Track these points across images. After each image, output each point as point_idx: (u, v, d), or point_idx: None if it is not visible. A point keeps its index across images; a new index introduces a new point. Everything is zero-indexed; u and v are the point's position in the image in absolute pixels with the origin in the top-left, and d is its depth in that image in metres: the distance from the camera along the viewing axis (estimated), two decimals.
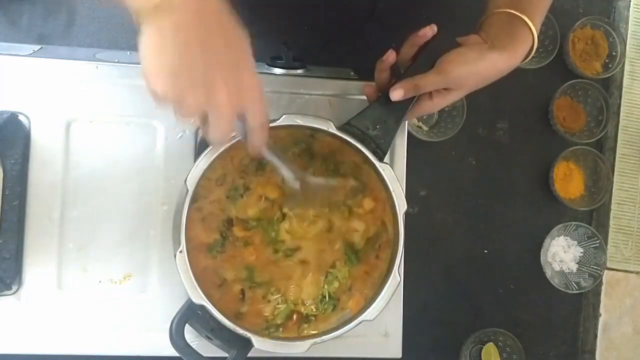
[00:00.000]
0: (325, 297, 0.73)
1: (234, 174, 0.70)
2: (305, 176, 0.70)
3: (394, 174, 0.71)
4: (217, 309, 0.65)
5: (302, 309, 0.72)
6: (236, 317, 0.69)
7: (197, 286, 0.65)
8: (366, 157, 0.71)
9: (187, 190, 0.65)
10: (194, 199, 0.67)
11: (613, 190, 1.07)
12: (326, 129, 0.70)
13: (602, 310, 1.05)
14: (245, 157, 0.72)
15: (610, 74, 1.07)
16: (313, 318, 0.72)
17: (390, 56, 0.71)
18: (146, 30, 0.50)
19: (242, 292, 0.71)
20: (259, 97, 0.56)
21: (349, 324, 0.69)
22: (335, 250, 0.74)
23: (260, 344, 0.66)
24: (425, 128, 1.01)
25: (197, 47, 0.50)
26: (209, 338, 0.67)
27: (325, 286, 0.73)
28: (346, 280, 0.73)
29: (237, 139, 0.62)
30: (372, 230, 0.74)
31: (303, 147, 0.73)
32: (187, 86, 0.50)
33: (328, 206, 0.73)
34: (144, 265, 0.74)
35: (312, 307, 0.72)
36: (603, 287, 1.06)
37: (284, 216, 0.72)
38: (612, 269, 1.06)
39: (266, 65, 0.81)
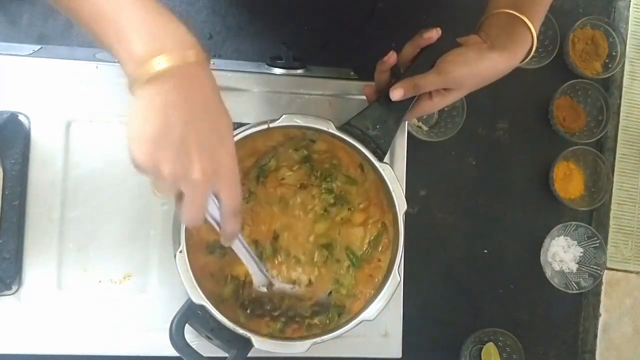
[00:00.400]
0: (330, 306, 0.73)
1: None
2: (272, 283, 0.71)
3: (394, 174, 0.71)
4: (217, 309, 0.66)
5: (306, 321, 0.72)
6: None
7: (197, 286, 0.65)
8: (366, 158, 0.71)
9: None
10: None
11: (613, 190, 1.07)
12: (326, 129, 0.70)
13: (602, 310, 1.05)
14: (247, 160, 0.72)
15: (610, 74, 1.07)
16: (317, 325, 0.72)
17: (391, 57, 0.71)
18: (137, 97, 0.51)
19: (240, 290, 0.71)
20: (234, 181, 0.56)
21: (349, 323, 0.69)
22: (337, 260, 0.74)
23: (260, 344, 0.66)
24: (425, 128, 1.01)
25: (181, 123, 0.51)
26: (209, 338, 0.67)
27: (332, 294, 0.73)
28: (352, 286, 0.73)
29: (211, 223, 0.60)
30: (372, 233, 0.74)
31: (303, 154, 0.74)
32: (164, 157, 0.51)
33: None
34: (144, 265, 0.74)
35: (317, 320, 0.72)
36: (603, 287, 1.06)
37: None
38: (612, 269, 1.06)
39: (266, 65, 0.81)
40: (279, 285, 0.72)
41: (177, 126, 0.51)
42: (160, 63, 0.50)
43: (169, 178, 0.52)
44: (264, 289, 0.70)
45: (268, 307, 0.71)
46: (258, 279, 0.69)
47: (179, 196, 0.54)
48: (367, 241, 0.74)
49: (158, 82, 0.50)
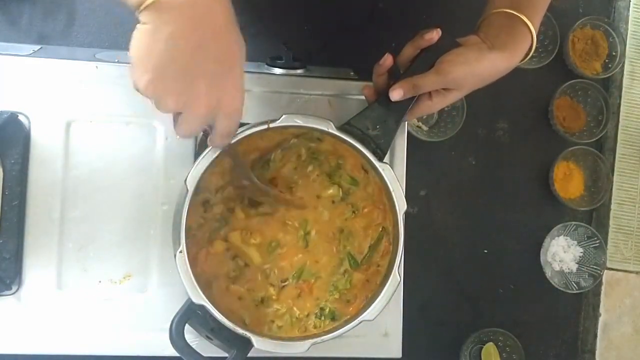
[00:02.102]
0: (323, 310, 0.73)
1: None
2: (256, 183, 0.69)
3: (394, 174, 0.71)
4: (217, 309, 0.66)
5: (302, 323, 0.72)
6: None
7: (197, 286, 0.65)
8: (367, 158, 0.71)
9: (187, 190, 0.65)
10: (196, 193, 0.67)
11: (613, 190, 1.07)
12: (326, 129, 0.70)
13: (602, 310, 1.05)
14: (250, 154, 0.72)
15: (610, 74, 1.07)
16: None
17: (387, 60, 0.71)
18: (142, 24, 0.49)
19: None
20: (237, 112, 0.56)
21: (349, 323, 0.69)
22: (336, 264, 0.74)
23: (260, 344, 0.66)
24: (425, 128, 1.01)
25: (187, 54, 0.50)
26: (209, 338, 0.67)
27: (327, 298, 0.73)
28: (346, 291, 0.73)
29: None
30: (373, 237, 0.74)
31: (310, 151, 0.74)
32: (168, 89, 0.51)
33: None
34: (144, 265, 0.74)
35: (311, 324, 0.72)
36: (603, 287, 1.06)
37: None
38: (612, 269, 1.06)
39: (266, 65, 0.81)
40: (262, 186, 0.70)
41: (182, 56, 0.50)
42: None
43: (171, 108, 0.52)
44: (247, 183, 0.69)
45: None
46: (243, 178, 0.68)
47: (177, 113, 0.54)
48: (367, 245, 0.74)
49: (165, 7, 0.48)
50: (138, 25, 0.50)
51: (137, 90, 0.51)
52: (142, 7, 0.48)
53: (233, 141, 0.64)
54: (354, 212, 0.74)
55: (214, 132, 0.58)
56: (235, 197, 0.71)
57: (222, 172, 0.70)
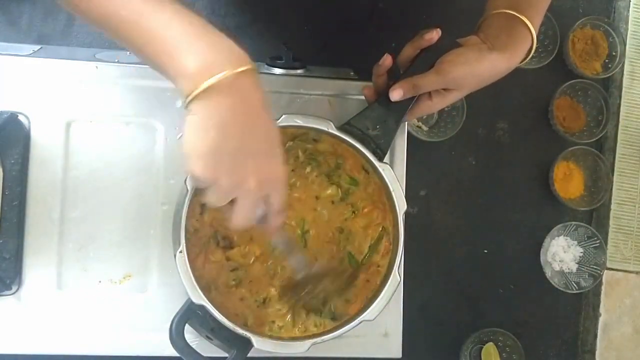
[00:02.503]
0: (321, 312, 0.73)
1: None
2: (311, 265, 0.72)
3: (394, 174, 0.71)
4: (216, 309, 0.66)
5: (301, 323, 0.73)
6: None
7: (197, 286, 0.65)
8: (367, 158, 0.71)
9: (187, 190, 0.65)
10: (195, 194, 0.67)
11: (613, 190, 1.06)
12: (326, 129, 0.70)
13: (602, 310, 1.05)
14: None
15: (610, 74, 1.07)
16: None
17: (387, 60, 0.71)
18: (193, 111, 0.53)
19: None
20: (284, 184, 0.59)
21: (349, 323, 0.69)
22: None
23: (260, 344, 0.66)
24: (425, 128, 1.01)
25: (238, 135, 0.53)
26: (209, 338, 0.67)
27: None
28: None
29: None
30: (373, 237, 0.74)
31: (308, 152, 0.74)
32: (224, 170, 0.54)
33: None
34: (144, 265, 0.74)
35: (311, 323, 0.72)
36: (603, 287, 1.05)
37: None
38: (612, 269, 1.06)
39: (266, 65, 0.81)
40: (316, 268, 0.72)
41: (233, 139, 0.53)
42: (214, 76, 0.51)
43: (227, 189, 0.54)
44: (302, 275, 0.72)
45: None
46: (298, 265, 0.71)
47: (230, 202, 0.56)
48: (367, 245, 0.74)
49: (212, 96, 0.52)
50: (187, 118, 0.53)
51: (194, 177, 0.54)
52: (191, 96, 0.52)
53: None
54: (353, 212, 0.74)
55: (269, 213, 0.60)
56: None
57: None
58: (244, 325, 0.69)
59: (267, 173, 0.56)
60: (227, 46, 0.54)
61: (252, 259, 0.72)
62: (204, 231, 0.70)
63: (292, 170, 0.73)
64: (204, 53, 0.52)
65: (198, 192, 0.68)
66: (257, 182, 0.55)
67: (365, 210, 0.75)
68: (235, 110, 0.53)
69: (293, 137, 0.73)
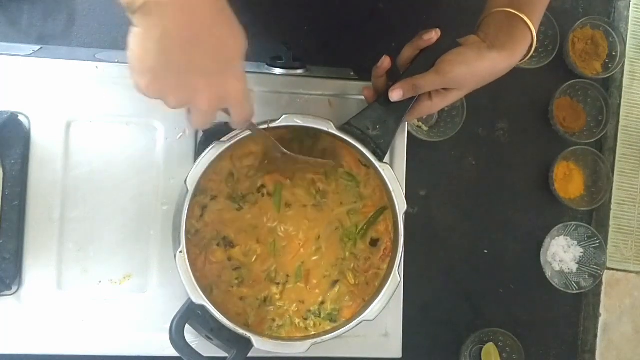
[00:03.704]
0: (324, 304, 0.73)
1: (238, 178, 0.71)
2: (281, 149, 0.69)
3: (394, 174, 0.71)
4: (217, 309, 0.66)
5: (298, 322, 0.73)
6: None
7: (197, 286, 0.65)
8: (366, 157, 0.71)
9: (187, 190, 0.65)
10: (195, 195, 0.67)
11: (613, 190, 1.07)
12: (326, 129, 0.70)
13: (602, 310, 1.05)
14: (246, 159, 0.72)
15: (610, 74, 1.07)
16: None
17: (385, 62, 0.71)
18: (135, 26, 0.50)
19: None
20: (242, 100, 0.56)
21: (349, 323, 0.69)
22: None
23: (260, 344, 0.66)
24: (425, 128, 1.01)
25: (181, 50, 0.50)
26: (209, 338, 0.67)
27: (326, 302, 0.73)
28: (345, 294, 0.73)
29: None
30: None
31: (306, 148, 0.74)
32: (168, 88, 0.52)
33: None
34: (144, 265, 0.74)
35: (311, 322, 0.72)
36: (603, 287, 1.06)
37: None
38: (612, 269, 1.06)
39: (266, 65, 0.81)
40: (294, 155, 0.70)
41: (175, 55, 0.50)
42: None
43: (175, 105, 0.53)
44: (279, 155, 0.69)
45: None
46: (274, 148, 0.69)
47: (188, 109, 0.55)
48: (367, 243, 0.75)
49: (155, 5, 0.48)
50: (131, 29, 0.50)
51: (139, 91, 0.52)
52: (133, 9, 0.49)
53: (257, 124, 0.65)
54: (355, 202, 0.75)
55: (230, 118, 0.59)
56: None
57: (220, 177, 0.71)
58: (245, 325, 0.69)
59: (221, 89, 0.53)
60: None
61: (254, 258, 0.72)
62: (205, 231, 0.70)
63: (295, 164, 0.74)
64: None
65: (198, 192, 0.68)
66: (209, 100, 0.53)
67: (365, 209, 0.75)
68: (179, 21, 0.49)
69: (291, 138, 0.73)
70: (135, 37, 0.50)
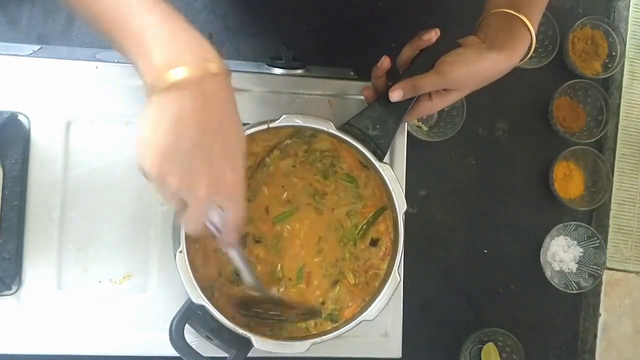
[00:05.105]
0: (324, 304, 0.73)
1: None
2: (263, 289, 0.70)
3: (394, 174, 0.71)
4: (217, 309, 0.66)
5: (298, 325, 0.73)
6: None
7: (197, 286, 0.65)
8: (366, 157, 0.71)
9: None
10: None
11: (613, 190, 1.07)
12: (326, 129, 0.70)
13: (602, 310, 1.05)
14: (249, 158, 0.72)
15: (610, 74, 1.07)
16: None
17: (384, 62, 0.71)
18: (150, 102, 0.51)
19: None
20: (238, 197, 0.56)
21: (349, 323, 0.69)
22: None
23: (260, 344, 0.66)
24: (425, 128, 1.01)
25: (191, 135, 0.51)
26: (209, 338, 0.67)
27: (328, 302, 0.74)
28: (345, 294, 0.73)
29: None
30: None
31: (305, 148, 0.74)
32: (171, 169, 0.51)
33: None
34: (144, 265, 0.74)
35: (312, 322, 0.73)
36: (603, 287, 1.05)
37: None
38: (612, 269, 1.06)
39: (266, 65, 0.81)
40: (271, 293, 0.72)
41: (187, 139, 0.51)
42: (179, 73, 0.50)
43: (173, 190, 0.52)
44: (255, 293, 0.70)
45: (258, 310, 0.71)
46: (249, 284, 0.69)
47: (182, 204, 0.54)
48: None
49: (175, 91, 0.50)
50: (145, 108, 0.51)
51: (141, 169, 0.52)
52: (153, 90, 0.50)
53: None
54: (354, 203, 0.75)
55: (224, 226, 0.58)
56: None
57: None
58: (247, 326, 0.69)
59: (220, 181, 0.53)
60: (200, 46, 0.52)
61: (254, 258, 0.72)
62: (204, 231, 0.70)
63: (293, 166, 0.74)
64: (173, 47, 0.51)
65: None
66: (207, 190, 0.52)
67: (364, 209, 0.75)
68: (194, 110, 0.51)
69: (290, 136, 0.73)
70: (150, 114, 0.51)
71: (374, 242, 0.75)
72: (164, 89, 0.50)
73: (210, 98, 0.52)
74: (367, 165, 0.73)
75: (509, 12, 0.70)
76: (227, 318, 0.66)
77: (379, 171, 0.71)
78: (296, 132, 0.73)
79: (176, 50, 0.51)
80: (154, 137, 0.51)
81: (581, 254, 1.05)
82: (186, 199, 0.53)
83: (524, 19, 0.69)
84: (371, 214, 0.74)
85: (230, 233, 0.59)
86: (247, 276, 0.68)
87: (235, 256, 0.66)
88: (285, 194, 0.73)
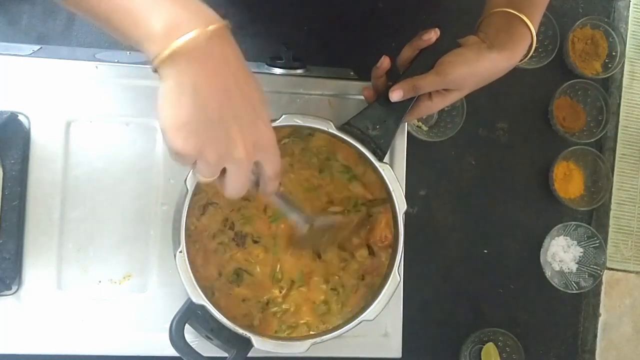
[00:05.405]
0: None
1: None
2: (313, 219, 0.71)
3: (394, 174, 0.71)
4: (216, 308, 0.66)
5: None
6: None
7: (197, 286, 0.65)
8: (366, 157, 0.71)
9: (187, 190, 0.65)
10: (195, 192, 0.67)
11: (613, 190, 1.06)
12: (326, 129, 0.70)
13: (602, 310, 1.05)
14: None
15: (610, 74, 1.07)
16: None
17: (384, 62, 0.71)
18: (164, 82, 0.49)
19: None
20: (274, 148, 0.55)
21: (349, 323, 0.69)
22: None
23: (260, 344, 0.66)
24: (425, 128, 1.01)
25: (215, 101, 0.49)
26: (209, 338, 0.67)
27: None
28: (347, 294, 0.74)
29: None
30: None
31: (301, 145, 0.74)
32: (206, 141, 0.50)
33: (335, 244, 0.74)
34: (144, 265, 0.74)
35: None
36: (603, 287, 1.05)
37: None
38: (612, 269, 1.06)
39: (266, 65, 0.81)
40: (321, 221, 0.72)
41: (211, 104, 0.49)
42: (183, 36, 0.47)
43: (214, 160, 0.51)
44: (306, 229, 0.71)
45: None
46: (298, 222, 0.70)
47: (221, 175, 0.53)
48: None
49: (183, 58, 0.48)
50: (160, 90, 0.49)
51: (176, 153, 0.50)
52: (159, 60, 0.48)
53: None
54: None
55: (262, 179, 0.57)
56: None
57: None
58: (249, 327, 0.69)
59: (254, 137, 0.52)
60: (195, 5, 0.50)
61: (255, 260, 0.72)
62: (205, 231, 0.70)
63: (290, 165, 0.74)
64: (169, 12, 0.48)
65: (198, 191, 0.68)
66: (245, 148, 0.51)
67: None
68: (209, 72, 0.49)
69: (289, 135, 0.73)
70: (168, 93, 0.49)
71: (372, 252, 0.75)
72: (170, 56, 0.48)
73: (220, 58, 0.50)
74: (363, 161, 0.74)
75: (510, 12, 0.70)
76: (227, 318, 0.66)
77: (379, 171, 0.71)
78: (294, 131, 0.73)
79: (174, 12, 0.48)
80: (180, 115, 0.49)
81: (581, 254, 1.05)
82: (228, 166, 0.52)
83: (525, 18, 0.69)
84: (369, 202, 0.74)
85: (270, 183, 0.57)
86: (295, 216, 0.70)
87: (278, 201, 0.67)
88: (281, 189, 0.73)
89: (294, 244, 0.72)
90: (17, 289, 0.71)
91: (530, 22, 0.69)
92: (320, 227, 0.72)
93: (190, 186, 0.65)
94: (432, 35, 0.70)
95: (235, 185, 0.54)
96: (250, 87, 0.53)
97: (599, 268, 1.04)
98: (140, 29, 0.48)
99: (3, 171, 0.70)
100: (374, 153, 0.71)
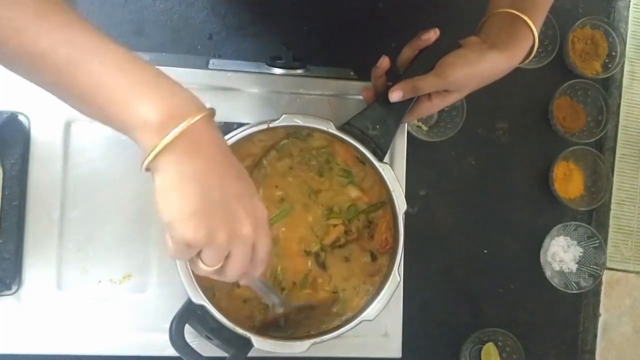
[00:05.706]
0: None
1: None
2: (289, 302, 0.71)
3: (394, 174, 0.71)
4: (217, 309, 0.66)
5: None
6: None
7: (197, 286, 0.65)
8: (366, 157, 0.71)
9: None
10: None
11: (613, 190, 1.07)
12: (326, 129, 0.70)
13: (602, 310, 1.05)
14: (244, 161, 0.72)
15: (610, 74, 1.07)
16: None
17: (384, 62, 0.71)
18: (162, 174, 0.48)
19: None
20: (268, 226, 0.55)
21: (349, 323, 0.69)
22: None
23: (260, 344, 0.66)
24: (425, 128, 1.01)
25: (217, 183, 0.49)
26: (208, 338, 0.67)
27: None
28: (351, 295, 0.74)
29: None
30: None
31: (300, 146, 0.74)
32: (216, 224, 0.49)
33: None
34: (143, 265, 0.74)
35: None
36: (603, 287, 1.06)
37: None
38: (612, 269, 1.06)
39: (266, 65, 0.81)
40: (295, 304, 0.72)
41: (214, 188, 0.49)
42: (180, 125, 0.47)
43: (224, 243, 0.50)
44: (281, 310, 0.71)
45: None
46: (275, 304, 0.70)
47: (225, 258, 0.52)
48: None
49: (180, 147, 0.47)
50: (157, 183, 0.48)
51: (187, 244, 0.49)
52: (158, 150, 0.47)
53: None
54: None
55: (253, 262, 0.55)
56: None
57: None
58: (251, 328, 0.69)
59: (255, 213, 0.52)
60: (185, 94, 0.50)
61: None
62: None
63: (290, 168, 0.73)
64: (162, 102, 0.47)
65: None
66: (251, 224, 0.51)
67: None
68: (207, 157, 0.49)
69: (288, 135, 0.73)
70: (169, 185, 0.48)
71: (374, 257, 0.75)
72: (172, 148, 0.47)
73: (214, 142, 0.50)
74: (362, 161, 0.73)
75: (512, 13, 0.70)
76: (227, 318, 0.66)
77: (379, 171, 0.71)
78: (293, 131, 0.73)
79: (165, 99, 0.48)
80: (189, 205, 0.48)
81: (581, 254, 1.05)
82: (235, 247, 0.51)
83: (527, 19, 0.69)
84: (369, 206, 0.74)
85: (261, 265, 0.55)
86: (272, 299, 0.69)
87: (258, 285, 0.65)
88: (280, 193, 0.73)
89: (270, 325, 0.71)
90: (17, 289, 0.71)
91: (533, 23, 0.69)
92: (296, 307, 0.72)
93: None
94: (432, 35, 0.70)
95: (239, 265, 0.52)
96: (239, 166, 0.53)
97: (599, 268, 1.04)
98: (132, 115, 0.47)
99: (3, 171, 0.70)
100: (374, 153, 0.71)
